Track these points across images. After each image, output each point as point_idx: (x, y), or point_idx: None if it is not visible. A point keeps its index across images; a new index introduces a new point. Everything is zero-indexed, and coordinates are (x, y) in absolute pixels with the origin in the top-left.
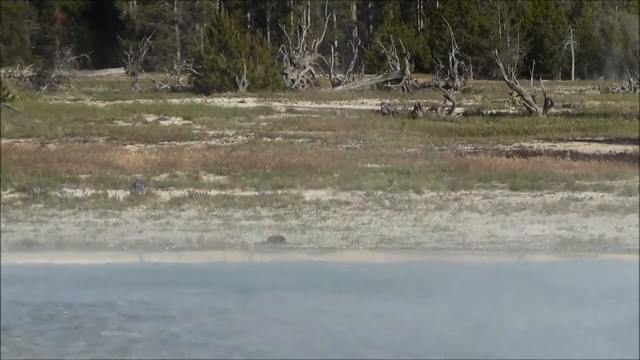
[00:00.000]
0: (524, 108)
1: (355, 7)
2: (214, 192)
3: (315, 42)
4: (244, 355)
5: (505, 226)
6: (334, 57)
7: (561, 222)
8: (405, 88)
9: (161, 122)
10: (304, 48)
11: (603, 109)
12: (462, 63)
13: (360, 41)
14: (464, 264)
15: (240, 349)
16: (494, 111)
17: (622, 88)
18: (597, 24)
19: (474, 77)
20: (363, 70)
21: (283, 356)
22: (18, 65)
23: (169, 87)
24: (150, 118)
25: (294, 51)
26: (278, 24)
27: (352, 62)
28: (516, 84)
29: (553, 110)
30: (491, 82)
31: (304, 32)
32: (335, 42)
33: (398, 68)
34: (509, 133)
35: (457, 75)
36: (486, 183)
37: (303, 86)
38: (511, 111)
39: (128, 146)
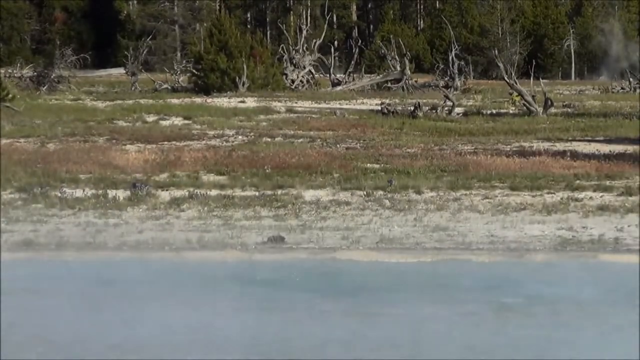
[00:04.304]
0: (524, 108)
1: (355, 7)
2: (214, 192)
3: (315, 42)
4: (239, 355)
5: (505, 226)
6: (334, 57)
7: (561, 222)
8: (405, 88)
9: (161, 122)
10: (304, 48)
11: (603, 109)
12: (462, 63)
13: (360, 41)
14: (463, 263)
15: (238, 348)
16: (494, 111)
17: (622, 88)
18: (597, 23)
19: (474, 77)
20: (363, 70)
21: (278, 356)
22: (18, 65)
23: (169, 87)
24: (151, 118)
25: (294, 51)
26: (278, 24)
27: (352, 62)
28: (516, 83)
29: (553, 110)
30: (491, 82)
31: (304, 32)
32: (335, 42)
33: (398, 68)
34: (509, 133)
35: (457, 75)
36: (486, 183)
37: (303, 86)
38: (511, 111)
39: (128, 146)
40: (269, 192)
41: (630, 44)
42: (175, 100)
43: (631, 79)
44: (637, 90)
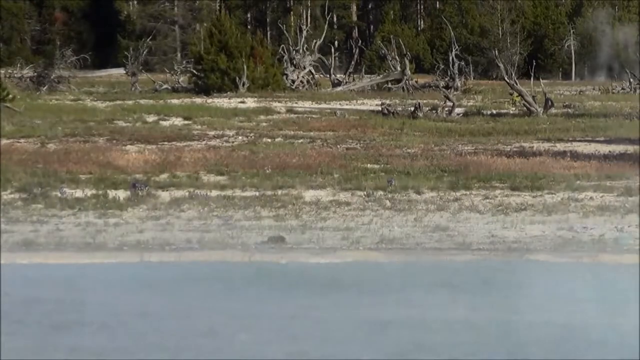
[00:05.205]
0: (524, 108)
1: (355, 7)
2: (214, 193)
3: (315, 43)
4: (238, 355)
5: (506, 226)
6: (334, 57)
7: (561, 223)
8: (405, 88)
9: (161, 122)
10: (304, 48)
11: (603, 109)
12: (463, 63)
13: (360, 41)
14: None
15: (234, 348)
16: (494, 111)
17: (622, 88)
18: (597, 24)
19: (474, 78)
20: (363, 70)
21: (277, 356)
22: (18, 65)
23: (169, 87)
24: (151, 118)
25: (294, 51)
26: (278, 24)
27: (352, 63)
28: (516, 84)
29: (553, 110)
30: (491, 83)
31: (304, 33)
32: (336, 42)
33: (398, 68)
34: (509, 133)
35: (457, 75)
36: (486, 183)
37: (303, 86)
38: (511, 111)
39: (128, 146)
40: (269, 193)
41: (630, 45)
42: (175, 101)
43: (631, 79)
44: (637, 91)
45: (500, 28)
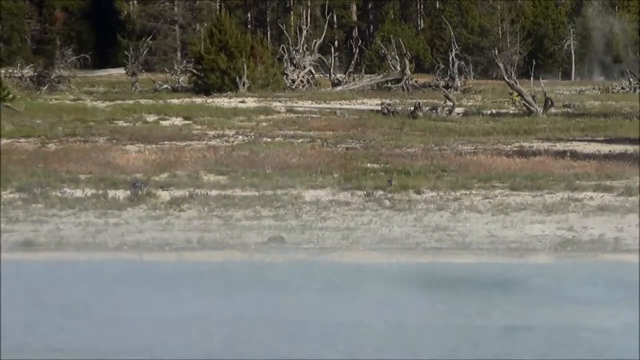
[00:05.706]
0: (524, 108)
1: (355, 7)
2: (214, 192)
3: (315, 42)
4: (237, 356)
5: (506, 226)
6: (334, 57)
7: (561, 222)
8: (405, 88)
9: (161, 122)
10: (304, 48)
11: (603, 109)
12: (462, 63)
13: (360, 41)
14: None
15: (233, 349)
16: (494, 111)
17: (622, 88)
18: (597, 23)
19: (474, 77)
20: (363, 70)
21: (278, 356)
22: (18, 65)
23: (169, 87)
24: (151, 118)
25: (294, 51)
26: (278, 24)
27: (352, 62)
28: (516, 84)
29: (553, 110)
30: (491, 82)
31: (304, 32)
32: (336, 42)
33: (398, 68)
34: (509, 133)
35: (457, 75)
36: (486, 183)
37: (303, 86)
38: (511, 111)
39: (128, 146)
40: (269, 192)
41: (630, 44)
42: (175, 100)
43: (631, 79)
44: (637, 90)
45: (500, 28)
